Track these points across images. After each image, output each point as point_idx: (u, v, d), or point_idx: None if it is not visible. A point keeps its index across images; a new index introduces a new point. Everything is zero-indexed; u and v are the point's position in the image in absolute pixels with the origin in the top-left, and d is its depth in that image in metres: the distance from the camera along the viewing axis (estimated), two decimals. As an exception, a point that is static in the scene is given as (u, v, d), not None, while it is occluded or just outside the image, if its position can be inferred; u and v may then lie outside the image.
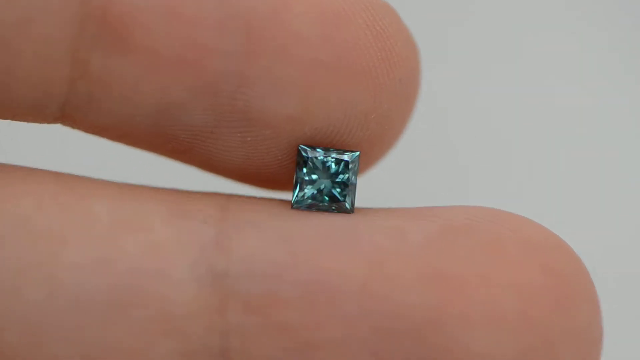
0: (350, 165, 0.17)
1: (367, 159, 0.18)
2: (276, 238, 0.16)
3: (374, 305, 0.16)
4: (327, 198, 0.17)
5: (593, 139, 0.39)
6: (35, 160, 0.18)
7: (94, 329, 0.15)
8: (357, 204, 0.17)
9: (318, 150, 0.17)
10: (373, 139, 0.17)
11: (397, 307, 0.16)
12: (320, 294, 0.16)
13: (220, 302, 0.16)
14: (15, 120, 0.17)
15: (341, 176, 0.17)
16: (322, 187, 0.17)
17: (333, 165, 0.17)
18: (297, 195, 0.17)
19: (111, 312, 0.15)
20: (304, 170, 0.17)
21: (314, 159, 0.17)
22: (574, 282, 0.16)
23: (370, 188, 0.19)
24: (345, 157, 0.17)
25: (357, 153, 0.17)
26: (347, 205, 0.17)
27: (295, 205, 0.17)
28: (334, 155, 0.17)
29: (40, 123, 0.17)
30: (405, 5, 0.18)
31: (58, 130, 0.17)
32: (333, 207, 0.17)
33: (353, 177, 0.17)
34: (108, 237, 0.16)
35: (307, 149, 0.17)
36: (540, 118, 0.39)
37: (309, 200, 0.17)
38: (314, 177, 0.17)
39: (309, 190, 0.17)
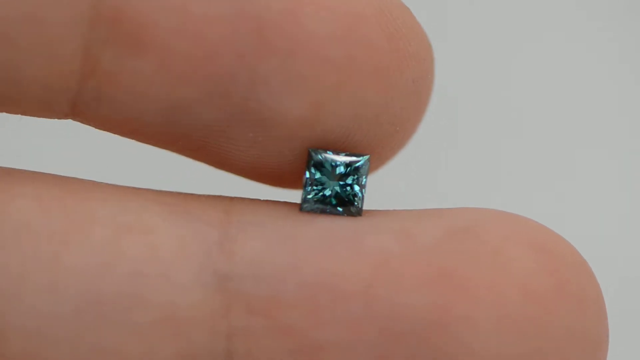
0: (359, 169, 0.17)
1: (378, 159, 0.18)
2: (280, 240, 0.16)
3: (378, 306, 0.16)
4: (335, 201, 0.17)
5: (597, 139, 0.39)
6: (42, 159, 0.18)
7: (97, 333, 0.15)
8: (365, 205, 0.17)
9: (328, 152, 0.17)
10: (385, 139, 0.17)
11: (402, 308, 0.16)
12: (324, 295, 0.16)
13: (224, 305, 0.16)
14: (26, 115, 0.17)
15: (350, 179, 0.17)
16: (330, 190, 0.17)
17: (342, 168, 0.17)
18: (305, 198, 0.17)
19: (114, 317, 0.16)
20: (313, 172, 0.17)
21: (324, 162, 0.17)
22: (579, 285, 0.16)
23: (378, 189, 0.19)
24: (355, 160, 0.17)
25: (367, 156, 0.17)
26: (355, 209, 0.17)
27: (303, 208, 0.17)
28: (343, 158, 0.17)
29: (51, 118, 0.17)
30: (416, 4, 0.18)
31: (63, 134, 0.17)
32: (341, 210, 0.17)
33: (362, 180, 0.17)
34: (110, 240, 0.16)
35: (317, 151, 0.17)
36: (547, 118, 0.39)
37: (317, 203, 0.17)
38: (323, 179, 0.17)
39: (317, 193, 0.17)
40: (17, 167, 0.16)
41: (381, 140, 0.17)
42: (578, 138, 0.38)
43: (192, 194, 0.17)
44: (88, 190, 0.16)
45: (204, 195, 0.17)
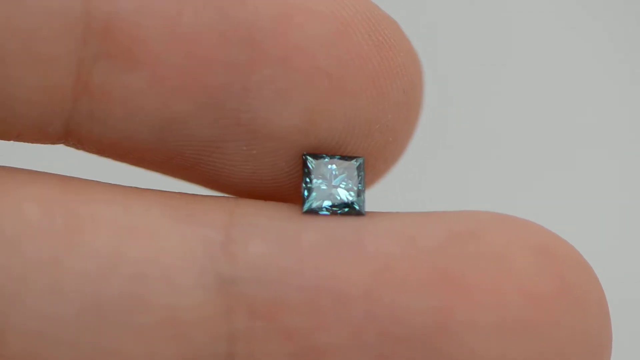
0: (355, 171, 0.17)
1: (374, 171, 0.18)
2: (282, 243, 0.16)
3: (379, 310, 0.16)
4: (335, 204, 0.17)
5: (596, 139, 0.39)
6: (45, 159, 0.18)
7: (98, 335, 0.15)
8: (367, 206, 0.17)
9: (323, 157, 0.17)
10: (378, 150, 0.17)
11: (403, 312, 0.16)
12: (325, 299, 0.16)
13: (227, 307, 0.16)
14: (19, 140, 0.17)
15: (348, 182, 0.17)
16: (329, 193, 0.17)
17: (339, 171, 0.17)
18: (306, 204, 0.17)
19: (115, 318, 0.15)
20: (311, 178, 0.17)
21: (320, 166, 0.17)
22: (582, 288, 0.16)
23: (381, 191, 0.19)
24: (351, 162, 0.17)
25: (362, 158, 0.17)
26: (356, 210, 0.17)
27: (305, 210, 0.17)
28: (339, 161, 0.17)
29: (44, 143, 0.17)
30: (402, 10, 0.18)
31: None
32: (344, 212, 0.17)
33: (360, 181, 0.17)
34: (113, 242, 0.16)
35: (312, 156, 0.17)
36: (547, 121, 0.39)
37: (318, 208, 0.17)
38: (321, 183, 0.17)
39: (317, 198, 0.17)
40: (19, 167, 0.16)
41: (375, 151, 0.17)
42: (579, 139, 0.38)
43: (196, 195, 0.17)
44: (91, 191, 0.16)
45: (208, 196, 0.17)
